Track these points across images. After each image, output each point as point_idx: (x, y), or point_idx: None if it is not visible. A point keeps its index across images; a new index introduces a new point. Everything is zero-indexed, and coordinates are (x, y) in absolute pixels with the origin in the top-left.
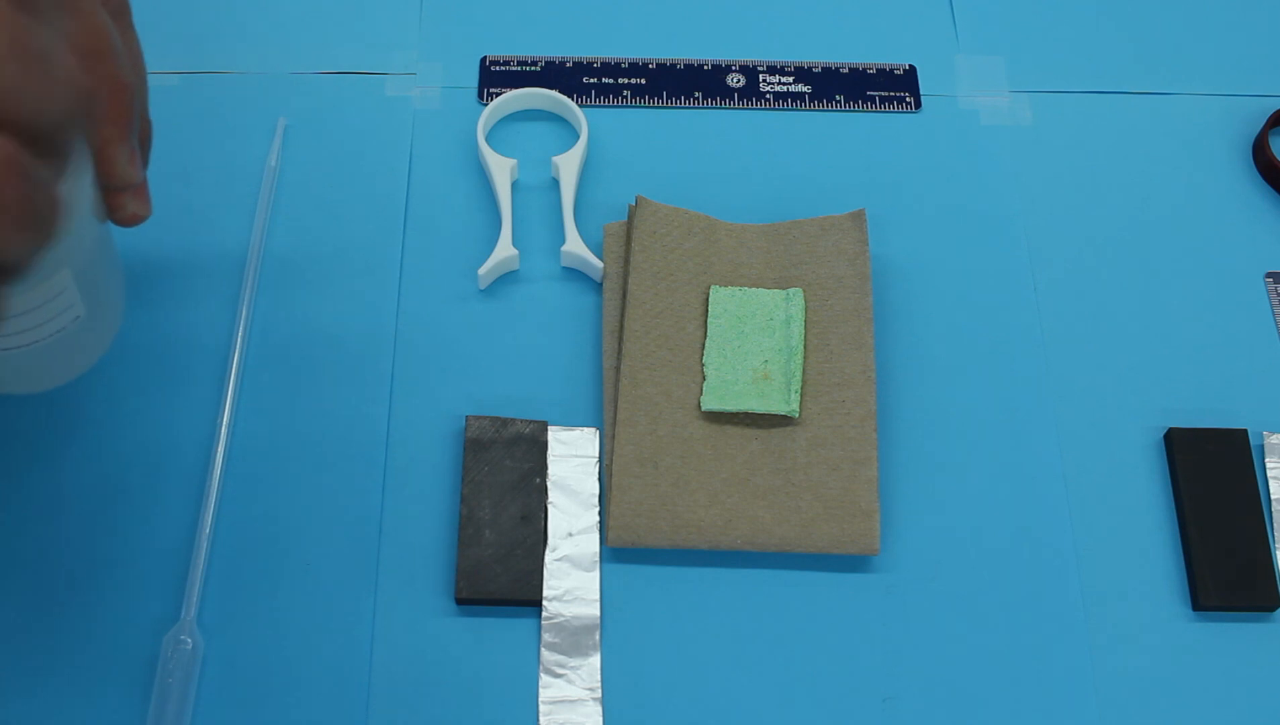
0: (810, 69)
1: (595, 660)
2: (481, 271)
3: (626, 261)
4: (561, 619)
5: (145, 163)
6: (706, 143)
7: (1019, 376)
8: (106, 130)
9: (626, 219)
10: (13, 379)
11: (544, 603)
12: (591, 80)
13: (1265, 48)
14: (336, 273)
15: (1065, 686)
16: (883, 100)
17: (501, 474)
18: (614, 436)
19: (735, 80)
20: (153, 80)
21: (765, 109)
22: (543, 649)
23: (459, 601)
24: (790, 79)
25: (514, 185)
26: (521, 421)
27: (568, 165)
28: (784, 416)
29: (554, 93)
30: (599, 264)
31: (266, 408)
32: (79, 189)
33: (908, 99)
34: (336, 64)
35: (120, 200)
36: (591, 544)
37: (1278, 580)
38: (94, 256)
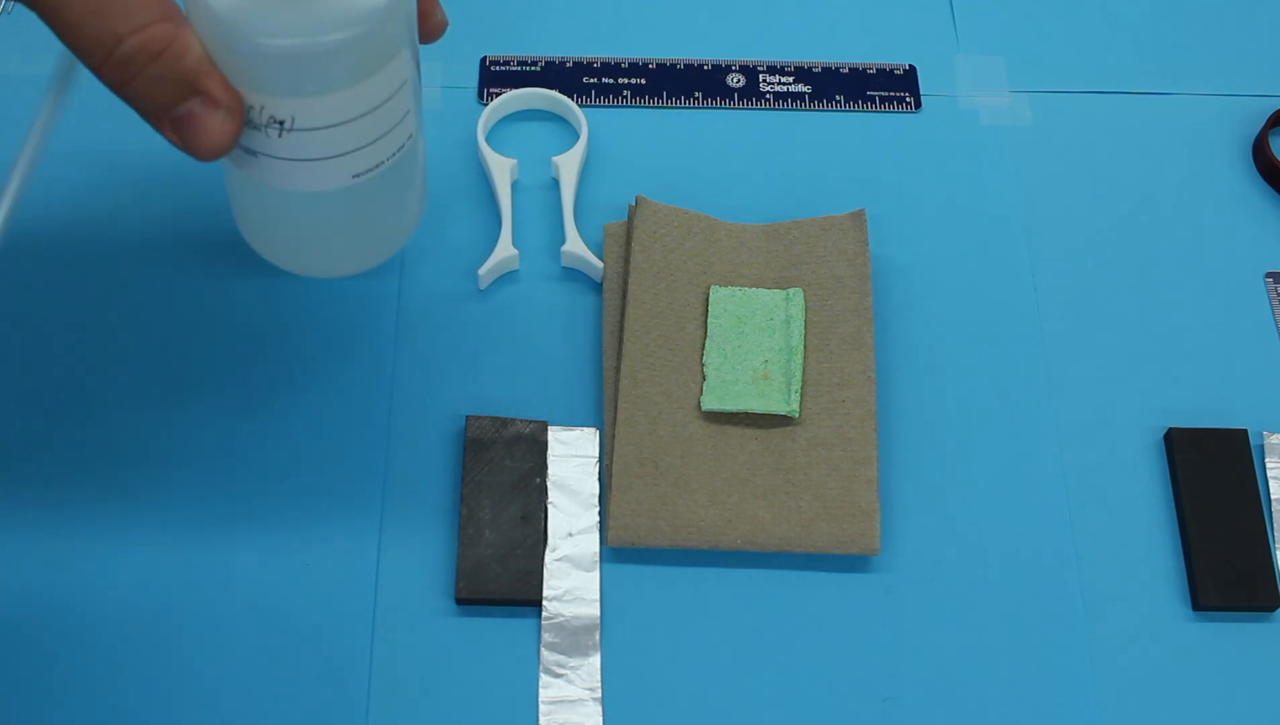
0: (810, 69)
1: (595, 660)
2: (481, 271)
3: (626, 261)
4: (561, 619)
5: None
6: (706, 143)
7: (1019, 377)
8: None
9: (626, 219)
10: (343, 237)
11: (544, 603)
12: (591, 80)
13: (1265, 48)
14: None
15: (1065, 686)
16: (883, 100)
17: (501, 474)
18: (614, 436)
19: (735, 80)
20: None
21: (765, 109)
22: (543, 649)
23: (459, 601)
24: (790, 79)
25: (514, 185)
26: (521, 421)
27: (568, 165)
28: (784, 416)
29: (554, 93)
30: (599, 264)
31: (267, 407)
32: None
33: (908, 99)
34: None
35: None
36: (591, 544)
37: (1278, 580)
38: (415, 68)
